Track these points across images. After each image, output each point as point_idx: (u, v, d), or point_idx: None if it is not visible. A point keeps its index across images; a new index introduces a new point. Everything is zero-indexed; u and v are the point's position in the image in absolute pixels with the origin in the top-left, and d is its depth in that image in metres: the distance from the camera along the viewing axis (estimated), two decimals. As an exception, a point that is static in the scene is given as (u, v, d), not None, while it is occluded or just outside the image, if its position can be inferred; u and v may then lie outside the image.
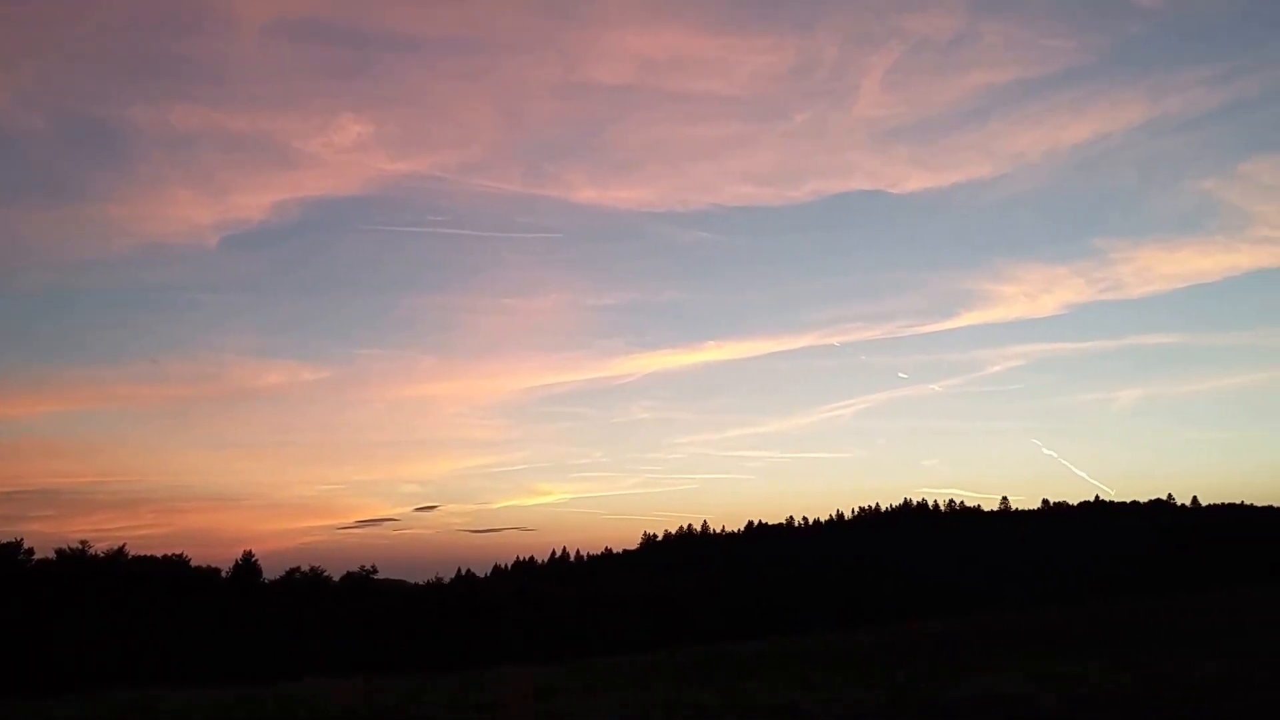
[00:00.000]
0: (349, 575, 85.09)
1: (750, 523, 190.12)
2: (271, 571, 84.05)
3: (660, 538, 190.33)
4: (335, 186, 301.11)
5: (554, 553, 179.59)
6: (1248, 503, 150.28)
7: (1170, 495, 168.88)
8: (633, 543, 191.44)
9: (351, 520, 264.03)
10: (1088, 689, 17.04)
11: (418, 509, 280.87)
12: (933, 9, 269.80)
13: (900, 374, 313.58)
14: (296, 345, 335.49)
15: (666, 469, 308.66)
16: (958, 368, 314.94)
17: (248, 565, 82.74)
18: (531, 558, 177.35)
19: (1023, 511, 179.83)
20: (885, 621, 52.98)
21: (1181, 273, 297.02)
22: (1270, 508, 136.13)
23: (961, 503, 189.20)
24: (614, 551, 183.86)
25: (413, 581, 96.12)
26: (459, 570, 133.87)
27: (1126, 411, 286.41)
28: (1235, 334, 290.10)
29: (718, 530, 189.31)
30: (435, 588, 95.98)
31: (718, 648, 37.80)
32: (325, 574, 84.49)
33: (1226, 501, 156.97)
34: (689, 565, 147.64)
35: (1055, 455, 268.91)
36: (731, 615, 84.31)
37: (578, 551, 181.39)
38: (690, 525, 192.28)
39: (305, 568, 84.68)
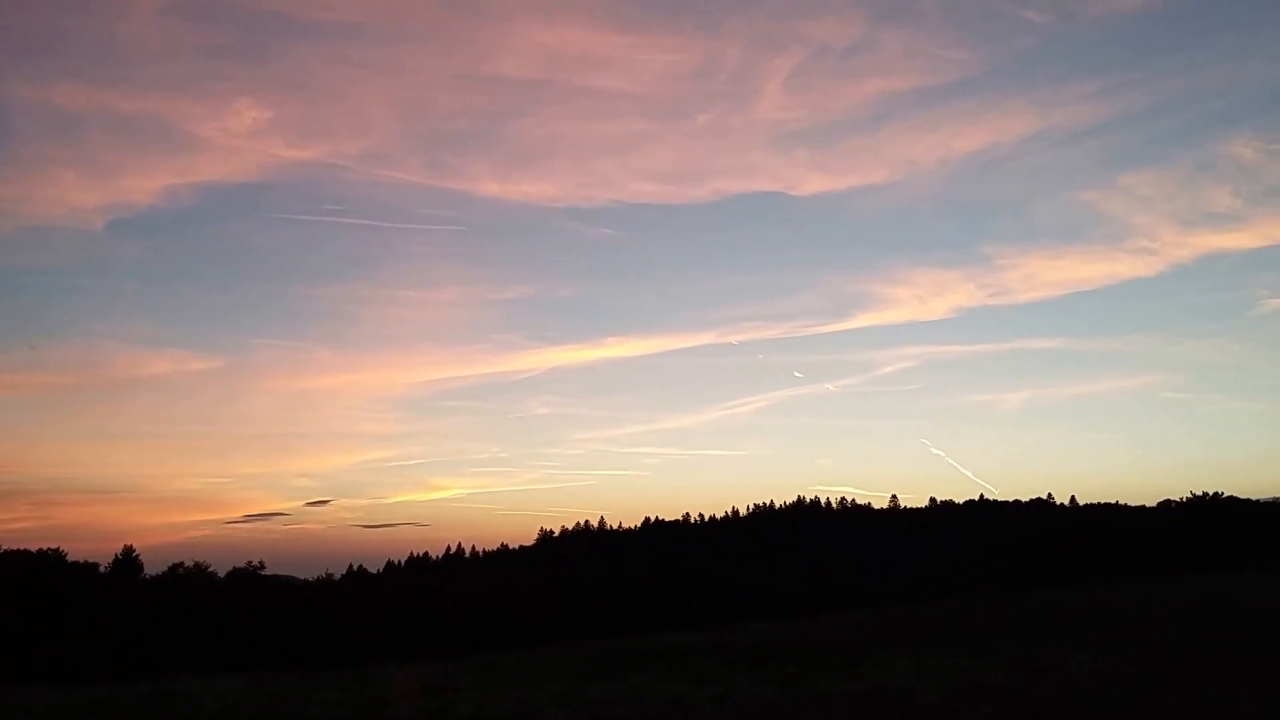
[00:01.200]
0: (235, 571, 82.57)
1: (647, 519, 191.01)
2: (154, 567, 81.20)
3: (557, 534, 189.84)
4: (230, 172, 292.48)
5: (449, 548, 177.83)
6: (1121, 502, 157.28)
7: (1050, 495, 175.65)
8: (529, 539, 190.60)
9: (239, 515, 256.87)
10: (967, 681, 17.57)
11: (309, 504, 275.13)
12: (833, 16, 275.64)
13: (797, 373, 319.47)
14: (185, 334, 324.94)
15: (565, 465, 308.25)
16: (852, 368, 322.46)
17: (128, 560, 79.69)
18: (426, 554, 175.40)
19: (911, 509, 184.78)
20: (777, 616, 53.89)
21: (1064, 280, 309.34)
22: (1142, 507, 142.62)
23: (853, 500, 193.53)
24: (510, 547, 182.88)
25: (303, 578, 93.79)
26: (351, 566, 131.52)
27: (1012, 413, 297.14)
28: (1112, 340, 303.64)
29: (615, 526, 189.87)
30: (326, 584, 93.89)
31: (613, 643, 37.91)
32: (210, 569, 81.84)
33: (1102, 501, 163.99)
34: (586, 561, 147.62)
35: (943, 455, 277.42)
36: (627, 611, 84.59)
37: (473, 547, 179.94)
38: (588, 521, 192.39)
39: (189, 563, 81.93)
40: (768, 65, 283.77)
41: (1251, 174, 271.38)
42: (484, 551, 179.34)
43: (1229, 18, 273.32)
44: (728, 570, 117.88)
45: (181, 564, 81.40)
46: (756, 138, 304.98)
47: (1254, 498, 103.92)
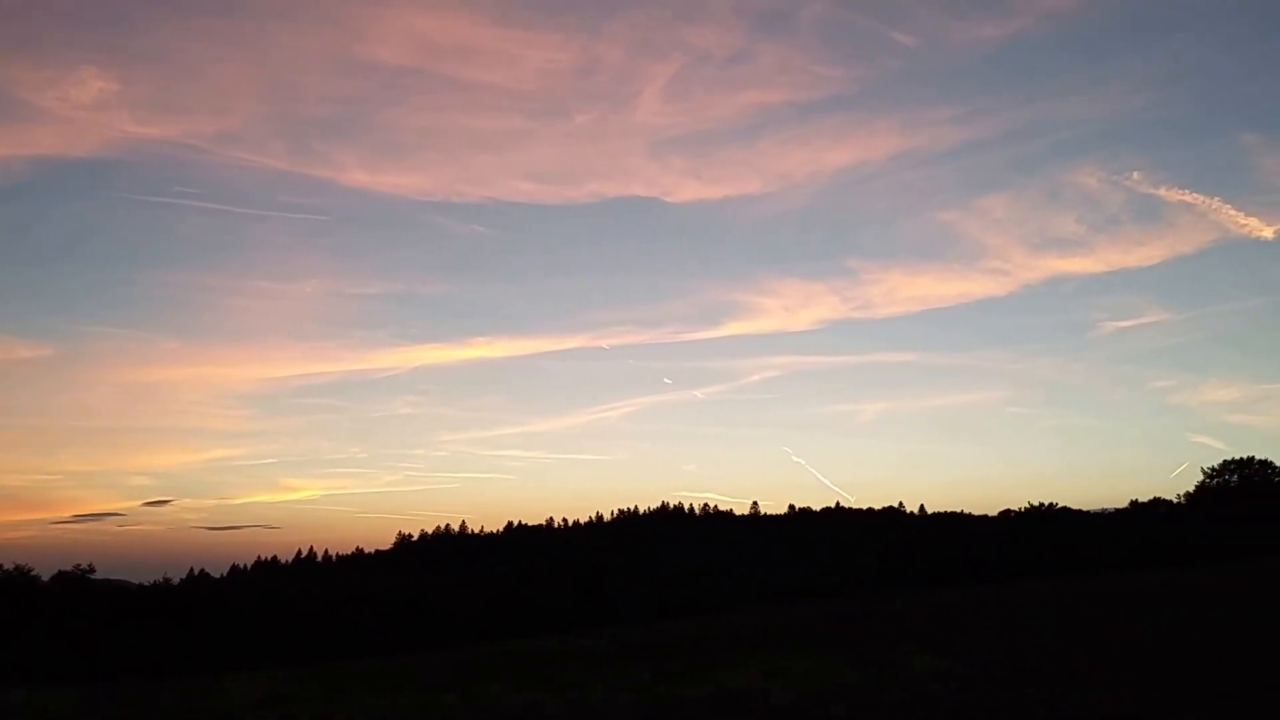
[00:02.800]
0: (61, 574, 77.68)
1: (510, 523, 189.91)
2: (-33, 570, 75.74)
3: (416, 538, 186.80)
4: (70, 146, 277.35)
5: (300, 552, 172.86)
6: (967, 511, 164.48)
7: (901, 503, 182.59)
8: (387, 543, 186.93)
9: (69, 514, 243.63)
10: (818, 683, 17.94)
11: (148, 503, 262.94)
12: (714, 25, 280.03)
13: (666, 379, 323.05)
14: (12, 318, 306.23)
15: (427, 467, 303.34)
16: (720, 375, 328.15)
17: (-62, 562, 74.09)
18: (275, 557, 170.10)
19: (771, 516, 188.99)
20: (637, 622, 54.09)
21: (922, 296, 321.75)
22: (985, 516, 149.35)
23: (715, 506, 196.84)
24: (366, 551, 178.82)
25: (137, 582, 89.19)
26: (192, 570, 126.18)
27: (869, 423, 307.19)
28: (964, 356, 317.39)
29: (477, 530, 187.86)
30: (163, 589, 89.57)
31: (469, 650, 37.33)
32: (33, 573, 76.67)
33: (949, 510, 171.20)
34: (445, 566, 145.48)
35: (804, 463, 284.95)
36: (486, 617, 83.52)
37: (326, 551, 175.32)
38: (448, 525, 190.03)
39: (9, 565, 76.65)
40: (648, 70, 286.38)
41: (1095, 203, 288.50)
42: (338, 555, 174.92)
43: (1083, 52, 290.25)
44: (589, 576, 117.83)
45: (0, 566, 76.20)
46: (634, 142, 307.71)
47: (1087, 509, 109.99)
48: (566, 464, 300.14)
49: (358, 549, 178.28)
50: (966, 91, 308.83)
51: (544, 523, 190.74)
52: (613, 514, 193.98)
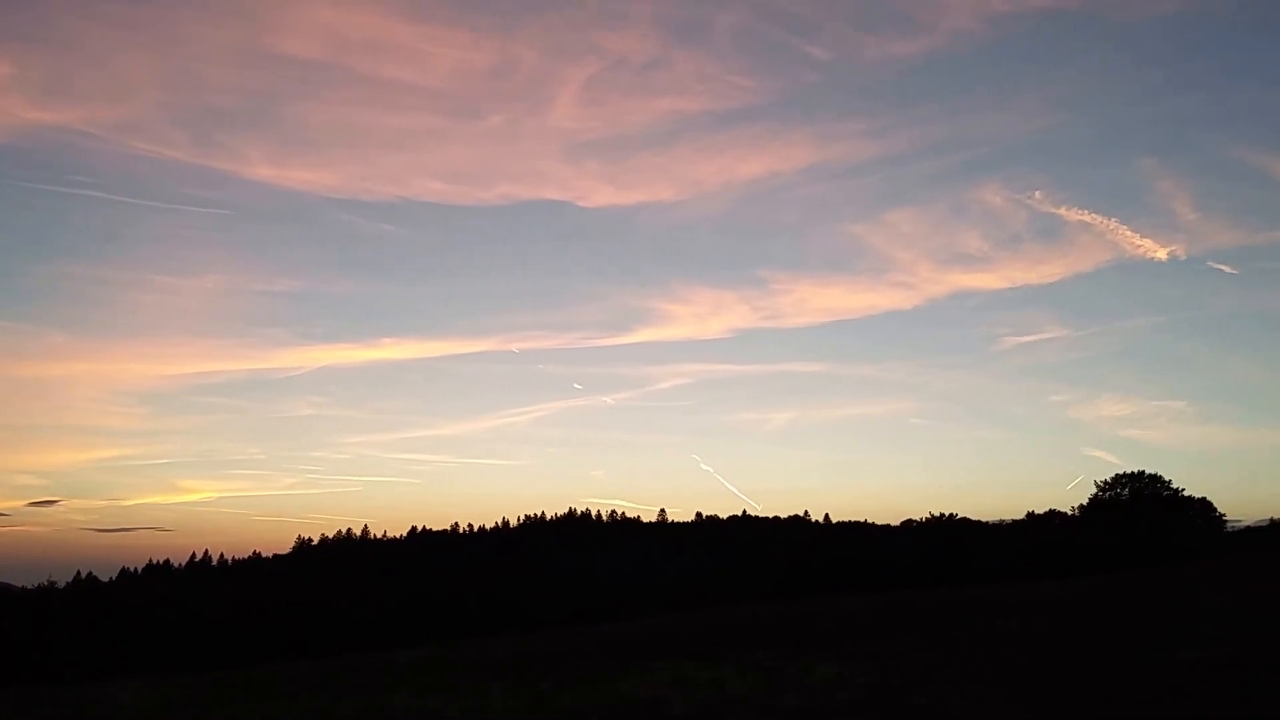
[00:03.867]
0: (-61, 577, 74.12)
1: (414, 528, 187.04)
2: None
3: (316, 542, 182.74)
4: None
5: (194, 555, 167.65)
6: (869, 520, 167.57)
7: (807, 512, 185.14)
8: (285, 547, 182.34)
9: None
10: (718, 690, 17.95)
11: (33, 503, 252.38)
12: (631, 31, 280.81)
13: (576, 385, 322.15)
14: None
15: (329, 469, 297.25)
16: (630, 382, 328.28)
17: None
18: (167, 561, 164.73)
19: (678, 523, 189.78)
20: (542, 628, 53.62)
21: (831, 308, 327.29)
22: (887, 526, 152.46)
23: (623, 513, 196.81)
24: (263, 555, 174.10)
25: (20, 586, 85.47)
26: (79, 573, 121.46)
27: (777, 432, 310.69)
28: (870, 367, 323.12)
29: (379, 535, 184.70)
30: (47, 592, 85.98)
31: (369, 656, 36.56)
32: (-92, 576, 73.09)
33: (852, 519, 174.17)
34: (345, 571, 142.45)
35: (712, 471, 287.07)
36: (387, 623, 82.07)
37: (222, 555, 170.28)
38: (349, 530, 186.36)
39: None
40: (563, 73, 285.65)
41: (999, 220, 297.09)
42: (233, 559, 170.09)
43: (990, 74, 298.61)
44: (493, 581, 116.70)
45: None
46: (548, 145, 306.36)
47: (986, 519, 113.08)
48: (473, 468, 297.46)
49: (254, 553, 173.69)
50: (878, 107, 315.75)
51: (448, 528, 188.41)
52: (519, 520, 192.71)
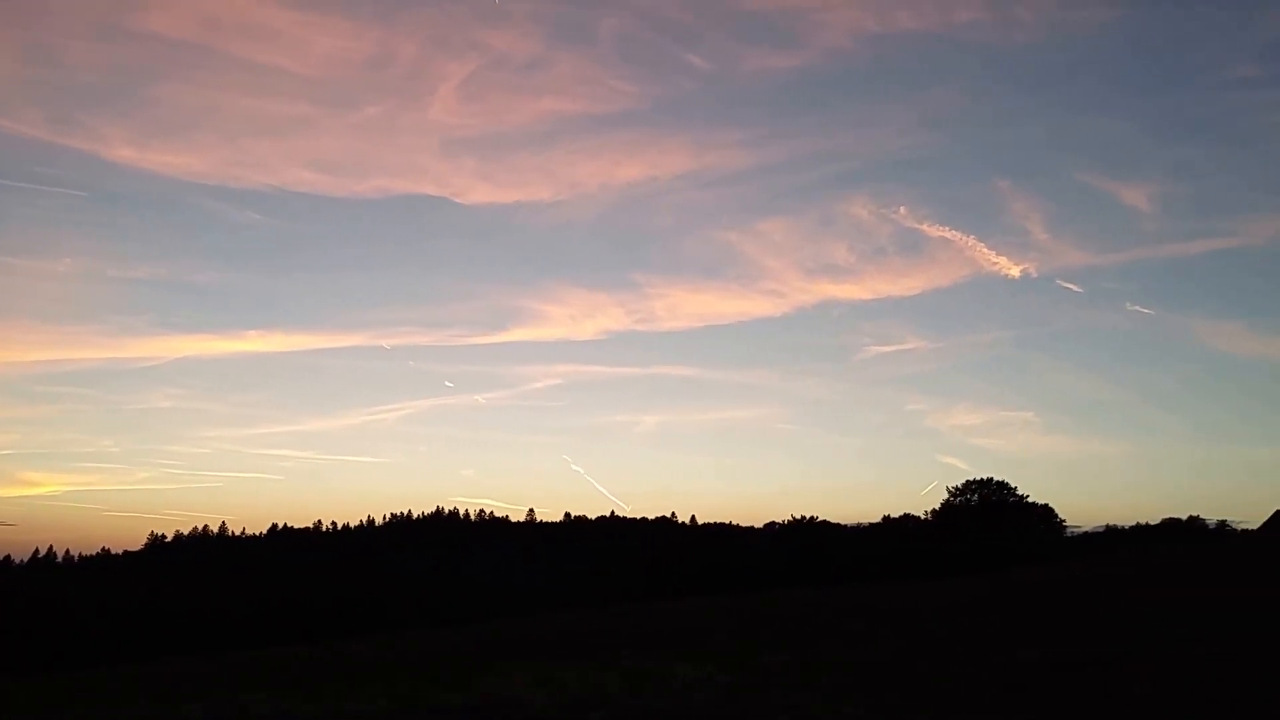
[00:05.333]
0: None
1: (275, 525, 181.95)
2: None
3: (170, 538, 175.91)
4: None
5: (38, 551, 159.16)
6: (734, 522, 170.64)
7: (674, 513, 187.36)
8: (137, 543, 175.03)
9: None
10: (581, 690, 18.14)
11: None
12: (513, 29, 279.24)
13: (447, 383, 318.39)
14: None
15: (187, 464, 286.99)
16: (503, 381, 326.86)
17: None
18: (8, 557, 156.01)
19: (547, 523, 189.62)
20: (405, 628, 52.83)
21: (703, 313, 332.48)
22: (751, 528, 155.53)
23: (491, 513, 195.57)
24: (113, 552, 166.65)
25: None
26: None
27: (647, 434, 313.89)
28: (738, 372, 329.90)
29: (238, 532, 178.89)
30: None
31: (221, 658, 35.46)
32: None
33: (718, 521, 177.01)
34: (200, 569, 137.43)
35: (582, 471, 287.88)
36: (242, 624, 79.50)
37: (68, 551, 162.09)
38: (207, 526, 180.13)
39: None
40: (443, 68, 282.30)
41: (865, 233, 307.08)
42: (80, 556, 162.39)
43: (860, 91, 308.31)
44: (357, 581, 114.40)
45: None
46: (426, 139, 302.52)
47: (845, 523, 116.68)
48: (339, 465, 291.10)
49: (104, 549, 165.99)
50: (754, 118, 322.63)
51: (311, 526, 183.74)
52: (384, 519, 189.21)
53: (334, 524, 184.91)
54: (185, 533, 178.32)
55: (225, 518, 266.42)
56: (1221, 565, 45.31)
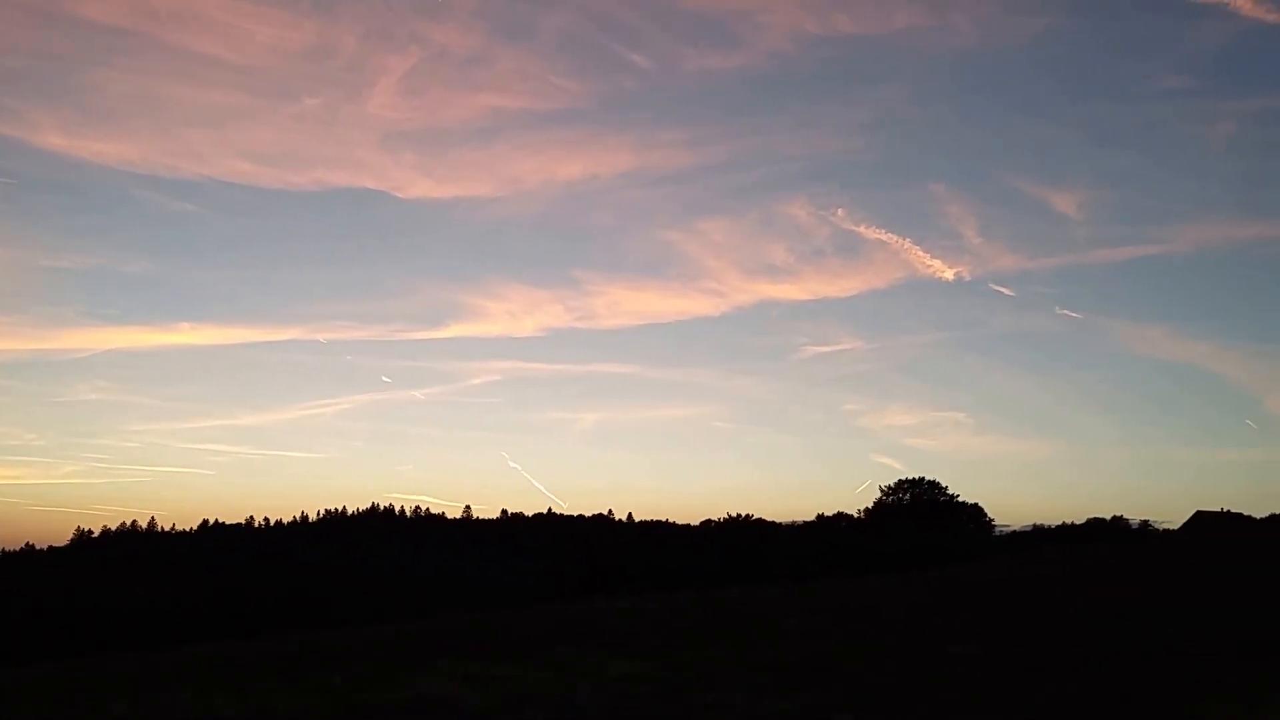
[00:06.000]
0: None
1: (206, 521, 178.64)
2: None
3: (97, 534, 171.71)
4: None
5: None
6: (671, 520, 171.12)
7: (611, 510, 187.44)
8: (63, 539, 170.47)
9: None
10: (512, 688, 18.14)
11: None
12: (455, 23, 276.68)
13: (385, 378, 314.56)
14: None
15: (115, 458, 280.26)
16: (441, 377, 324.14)
17: None
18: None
19: (483, 520, 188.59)
20: (337, 625, 52.17)
21: (642, 311, 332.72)
22: (688, 525, 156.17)
23: (427, 509, 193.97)
24: (37, 548, 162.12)
25: None
26: None
27: (585, 432, 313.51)
28: (677, 371, 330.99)
29: (168, 528, 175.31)
30: None
31: (149, 655, 34.71)
32: None
33: (655, 519, 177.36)
34: (128, 565, 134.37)
35: (520, 468, 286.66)
36: (171, 621, 77.96)
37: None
38: (135, 522, 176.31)
39: None
40: (384, 61, 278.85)
41: (803, 235, 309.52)
42: (4, 551, 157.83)
43: (799, 93, 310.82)
44: (290, 577, 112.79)
45: None
46: (366, 133, 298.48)
47: (781, 521, 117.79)
48: (273, 460, 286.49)
49: (28, 545, 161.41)
50: (694, 118, 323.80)
51: (244, 521, 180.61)
52: (319, 514, 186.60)
53: (267, 520, 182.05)
54: (113, 528, 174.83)
55: (155, 513, 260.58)
56: (1145, 565, 46.69)
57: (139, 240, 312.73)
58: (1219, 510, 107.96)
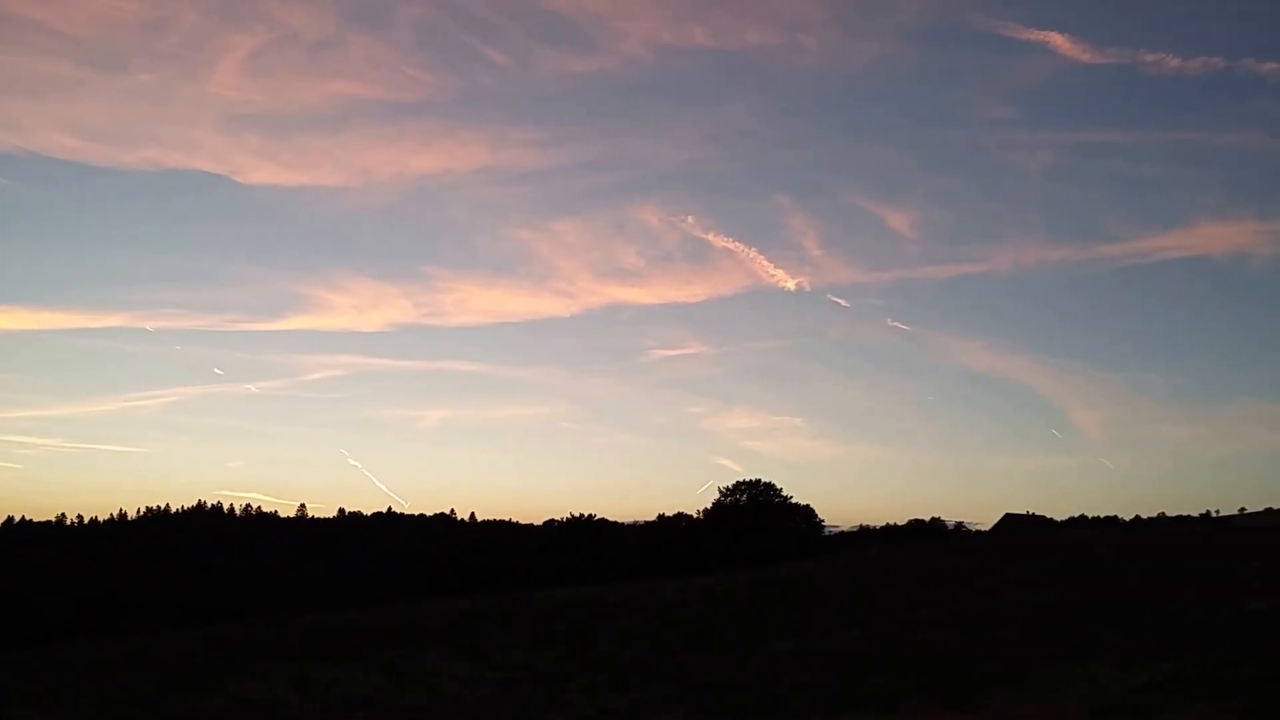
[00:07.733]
0: None
1: (11, 518, 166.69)
2: None
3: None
4: None
5: None
6: (514, 520, 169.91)
7: (453, 510, 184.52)
8: None
9: None
10: (342, 691, 17.68)
11: None
12: (305, 6, 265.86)
13: (217, 370, 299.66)
14: None
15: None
16: (279, 370, 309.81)
17: None
18: None
19: (319, 519, 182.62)
20: (155, 628, 49.63)
21: (492, 310, 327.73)
22: (530, 525, 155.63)
23: (259, 507, 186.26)
24: None
25: None
26: None
27: (430, 430, 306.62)
28: (526, 370, 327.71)
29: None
30: None
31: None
32: None
33: (498, 518, 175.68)
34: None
35: (360, 466, 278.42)
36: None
37: None
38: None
39: None
40: (227, 39, 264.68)
41: (654, 240, 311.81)
42: None
43: (654, 101, 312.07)
44: (103, 578, 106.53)
45: None
46: (205, 113, 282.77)
47: (623, 520, 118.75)
48: (90, 454, 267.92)
49: None
50: (550, 118, 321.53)
51: (54, 519, 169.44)
52: (139, 512, 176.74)
53: (80, 517, 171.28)
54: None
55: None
56: (959, 564, 49.18)
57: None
58: (1026, 513, 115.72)
